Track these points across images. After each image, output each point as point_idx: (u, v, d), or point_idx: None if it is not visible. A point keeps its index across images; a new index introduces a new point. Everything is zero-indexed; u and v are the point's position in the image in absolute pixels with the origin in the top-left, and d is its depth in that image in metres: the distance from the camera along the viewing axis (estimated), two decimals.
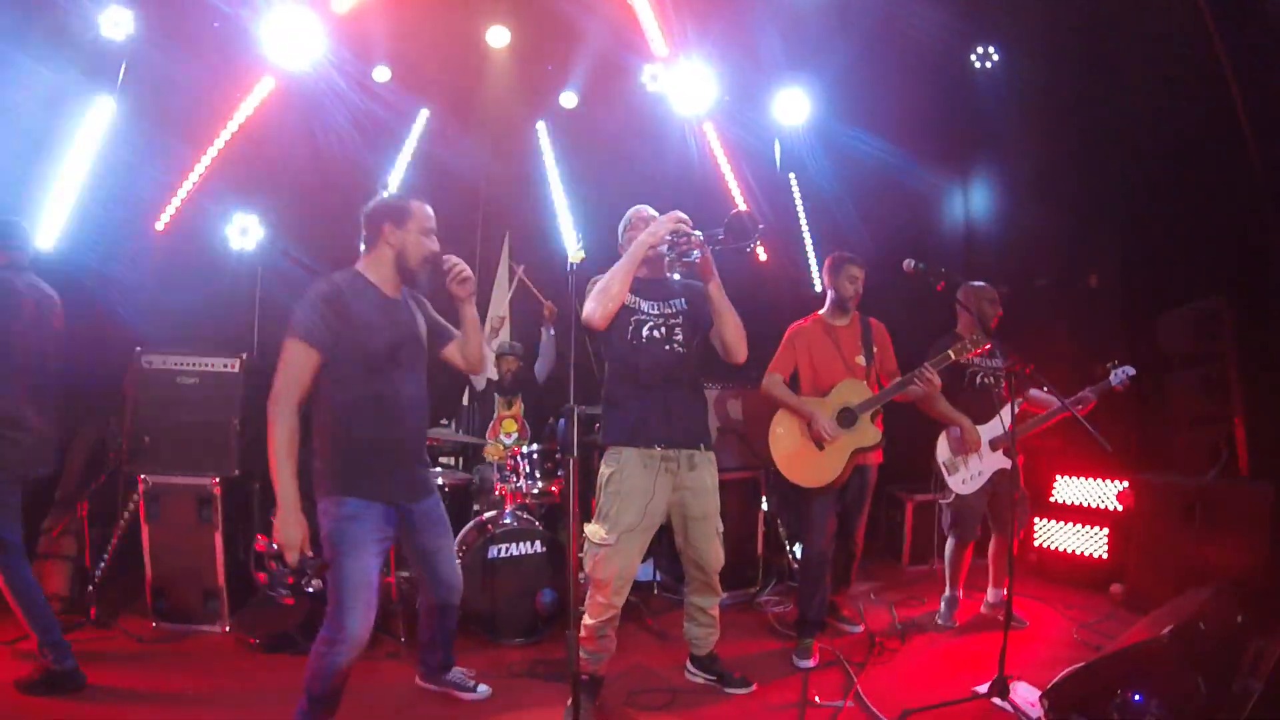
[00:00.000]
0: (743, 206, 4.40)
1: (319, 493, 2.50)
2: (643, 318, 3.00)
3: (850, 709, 3.02)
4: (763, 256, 6.06)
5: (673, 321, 3.03)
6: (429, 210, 2.71)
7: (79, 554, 4.03)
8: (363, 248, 2.72)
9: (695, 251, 2.84)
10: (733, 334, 2.97)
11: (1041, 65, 5.09)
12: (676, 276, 3.11)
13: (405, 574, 4.16)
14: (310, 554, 2.40)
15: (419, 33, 4.75)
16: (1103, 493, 4.71)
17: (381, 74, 5.17)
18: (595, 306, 2.85)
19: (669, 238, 2.87)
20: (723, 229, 2.80)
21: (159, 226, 5.00)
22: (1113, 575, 4.46)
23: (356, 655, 2.46)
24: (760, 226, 2.78)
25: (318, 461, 2.52)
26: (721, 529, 3.09)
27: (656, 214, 3.10)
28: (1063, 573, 4.76)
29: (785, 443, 3.65)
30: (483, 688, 3.15)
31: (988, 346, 3.56)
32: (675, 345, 3.01)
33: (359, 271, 2.67)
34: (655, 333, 3.00)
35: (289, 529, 2.35)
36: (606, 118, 5.54)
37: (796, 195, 6.09)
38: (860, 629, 3.93)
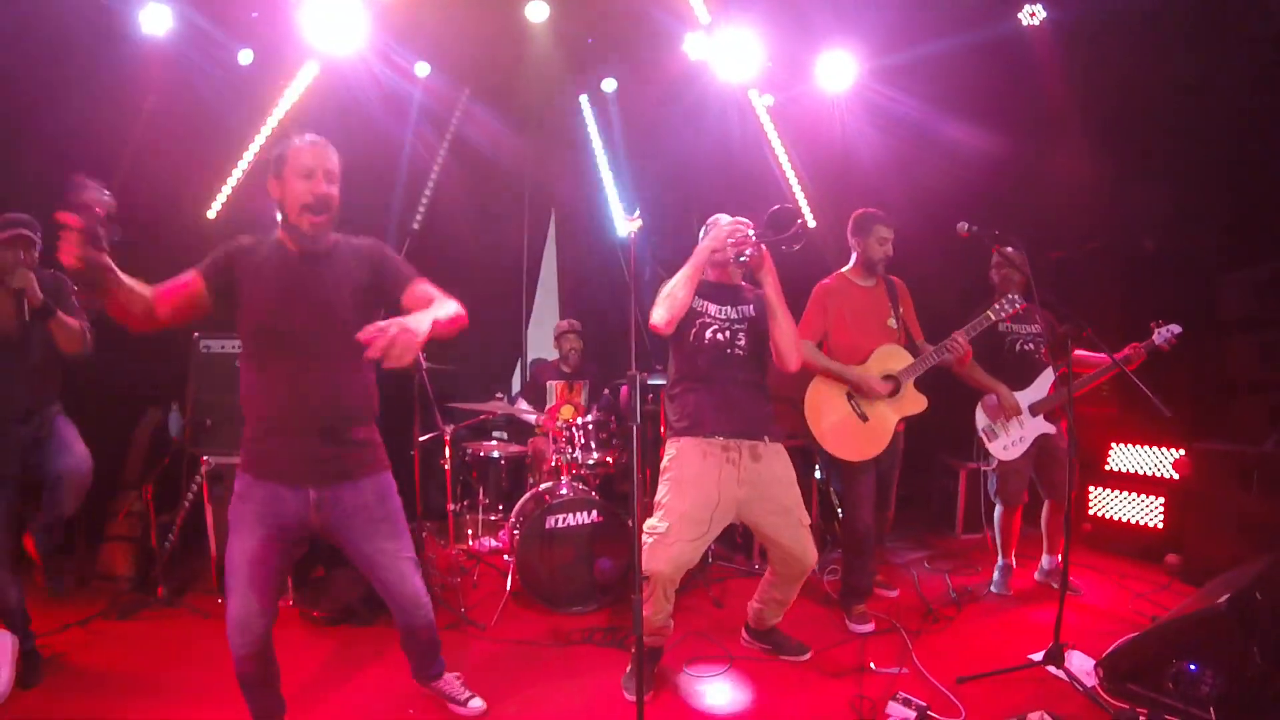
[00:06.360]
0: (793, 204, 4.32)
1: None
2: (708, 321, 3.00)
3: (906, 675, 3.03)
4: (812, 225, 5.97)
5: (737, 327, 3.02)
6: (315, 149, 2.25)
7: (144, 535, 4.16)
8: None
9: (749, 250, 2.86)
10: (782, 336, 2.91)
11: (1089, 21, 4.93)
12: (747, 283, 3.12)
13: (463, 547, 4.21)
14: None
15: (457, 12, 4.74)
16: (1158, 461, 4.62)
17: (423, 59, 5.19)
18: (663, 312, 2.85)
19: (729, 241, 2.89)
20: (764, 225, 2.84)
21: (210, 215, 5.09)
22: (1168, 545, 4.40)
23: (241, 640, 2.28)
24: (798, 221, 2.78)
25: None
26: (808, 521, 3.02)
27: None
28: (1117, 542, 4.71)
29: (826, 416, 3.48)
30: (476, 702, 2.77)
31: (1022, 307, 3.45)
32: (737, 349, 3.01)
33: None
34: (719, 336, 3.00)
35: None
36: (650, 89, 5.47)
37: (840, 160, 5.98)
38: (896, 592, 3.99)
